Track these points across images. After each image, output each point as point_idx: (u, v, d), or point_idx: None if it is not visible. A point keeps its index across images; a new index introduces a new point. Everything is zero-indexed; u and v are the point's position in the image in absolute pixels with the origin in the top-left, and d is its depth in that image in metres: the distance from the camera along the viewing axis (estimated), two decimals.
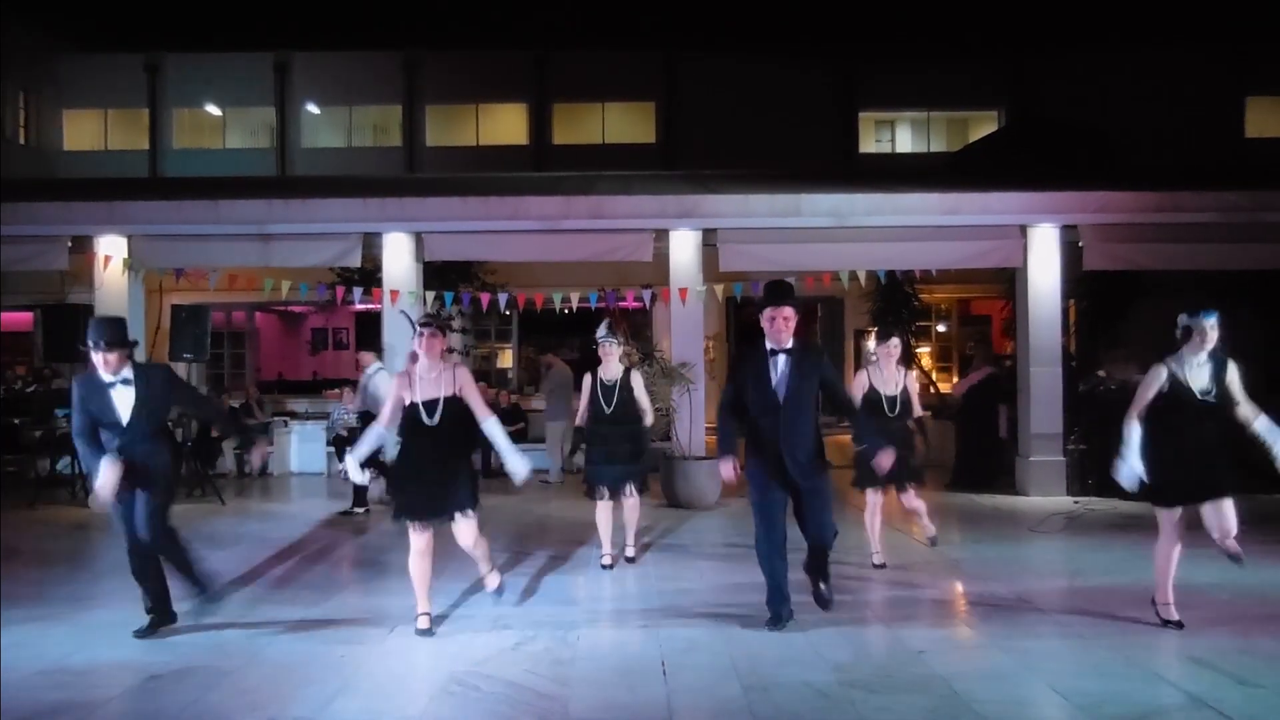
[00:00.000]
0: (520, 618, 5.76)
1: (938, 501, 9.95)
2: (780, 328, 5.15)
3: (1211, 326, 5.13)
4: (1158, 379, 5.22)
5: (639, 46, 25.68)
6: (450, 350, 14.19)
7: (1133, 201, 10.38)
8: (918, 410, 7.12)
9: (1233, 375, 5.22)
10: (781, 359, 5.21)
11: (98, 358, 5.07)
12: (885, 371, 6.96)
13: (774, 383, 5.20)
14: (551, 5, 27.45)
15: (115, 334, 5.18)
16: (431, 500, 5.26)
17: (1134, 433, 5.23)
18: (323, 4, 27.76)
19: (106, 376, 5.10)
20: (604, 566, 7.10)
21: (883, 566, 7.00)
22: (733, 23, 27.39)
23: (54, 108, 25.94)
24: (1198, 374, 5.17)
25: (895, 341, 7.04)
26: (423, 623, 5.38)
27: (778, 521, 5.28)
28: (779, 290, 5.25)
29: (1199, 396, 5.15)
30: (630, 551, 7.36)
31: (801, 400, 5.23)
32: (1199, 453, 5.16)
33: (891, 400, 6.87)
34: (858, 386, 6.98)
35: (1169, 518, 5.32)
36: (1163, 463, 5.22)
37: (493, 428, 5.29)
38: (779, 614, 5.33)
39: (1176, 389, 5.17)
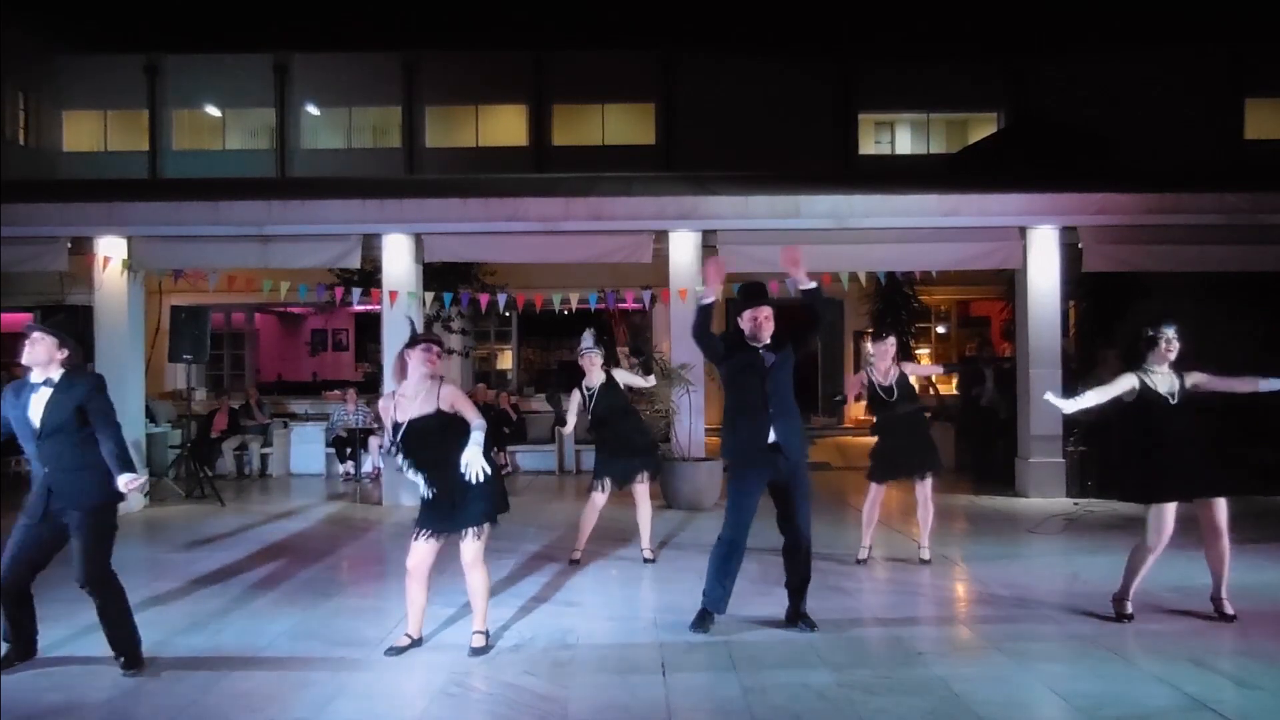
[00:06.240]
0: (520, 619, 5.76)
1: (938, 502, 9.94)
2: (763, 326, 5.32)
3: (1173, 338, 5.42)
4: (1128, 382, 5.48)
5: (638, 47, 25.68)
6: (449, 351, 14.23)
7: (1132, 203, 10.37)
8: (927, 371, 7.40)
9: (1196, 376, 5.50)
10: (767, 354, 5.35)
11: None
12: (880, 367, 7.19)
13: (764, 378, 5.31)
14: (551, 6, 27.47)
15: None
16: (443, 515, 4.97)
17: (1083, 402, 5.54)
18: (322, 5, 27.78)
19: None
20: (572, 561, 7.26)
21: (864, 562, 7.15)
22: (732, 24, 27.39)
23: (53, 109, 25.93)
24: (1160, 382, 5.44)
25: (891, 340, 7.28)
26: (400, 641, 5.13)
27: (750, 520, 5.38)
28: (756, 291, 5.39)
29: (1167, 401, 5.41)
30: (648, 553, 7.39)
31: (789, 393, 5.39)
32: (1182, 453, 5.39)
33: (888, 389, 7.11)
34: (855, 385, 7.35)
35: (1165, 517, 5.39)
36: (1160, 462, 5.39)
37: (476, 426, 4.91)
38: (714, 613, 5.43)
39: (1147, 395, 5.43)
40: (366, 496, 10.93)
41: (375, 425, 11.96)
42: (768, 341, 5.33)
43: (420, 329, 5.39)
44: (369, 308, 13.83)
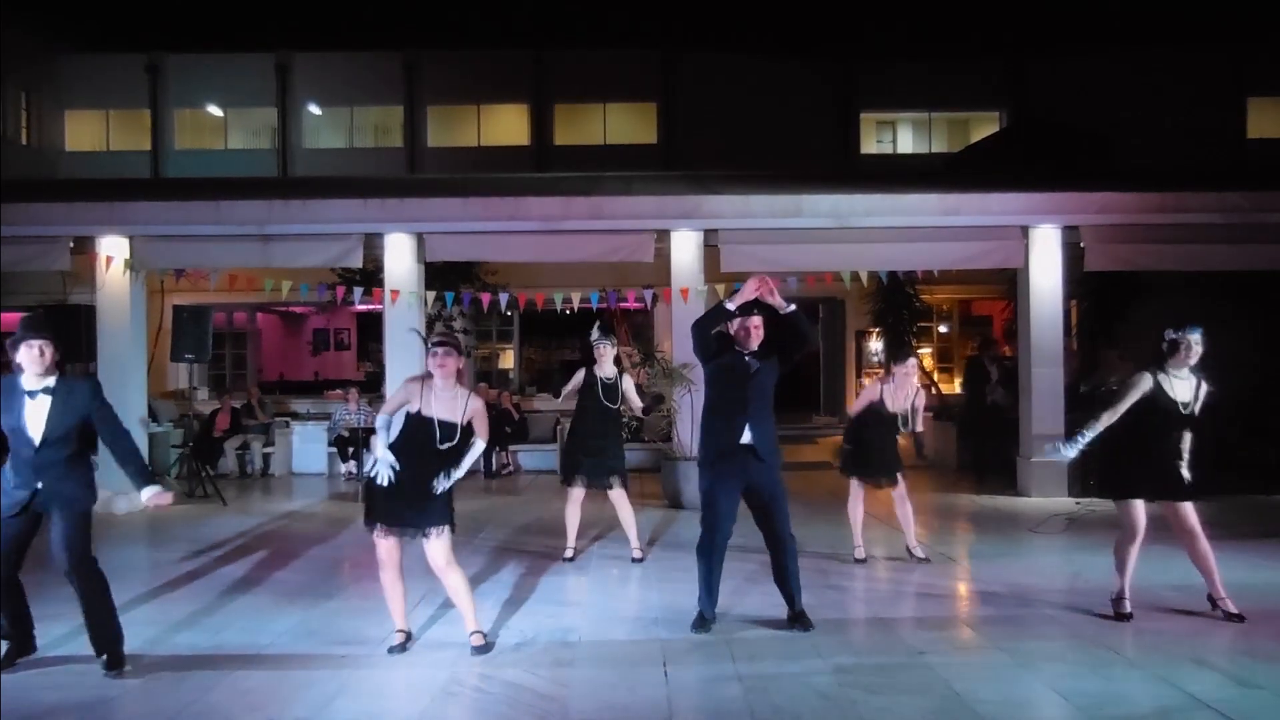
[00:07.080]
0: (520, 618, 5.76)
1: (939, 502, 9.98)
2: (752, 335, 5.38)
3: (1196, 342, 5.40)
4: (1141, 387, 5.46)
5: (639, 46, 25.69)
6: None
7: (1134, 202, 10.36)
8: (918, 425, 7.33)
9: (1204, 390, 5.51)
10: (752, 360, 5.41)
11: None
12: (900, 391, 7.13)
13: (745, 381, 5.36)
14: (552, 5, 27.48)
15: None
16: (398, 511, 4.96)
17: (1099, 429, 5.49)
18: (324, 4, 27.80)
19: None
20: (566, 559, 7.33)
21: (863, 561, 7.15)
22: (734, 23, 27.42)
23: (55, 108, 25.97)
24: (1180, 387, 5.45)
25: (913, 363, 7.26)
26: (396, 639, 5.14)
27: (726, 523, 5.44)
28: (750, 301, 5.38)
29: (1180, 408, 5.42)
30: (637, 553, 7.42)
31: (768, 401, 5.45)
32: (1150, 453, 5.49)
33: (900, 417, 7.11)
34: (865, 398, 7.26)
35: (1133, 512, 5.52)
36: (1136, 460, 5.50)
37: (478, 448, 5.06)
38: (708, 616, 5.45)
39: (1159, 398, 5.42)
40: None
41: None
42: (754, 349, 5.38)
43: (423, 334, 5.48)
44: (371, 307, 13.86)
